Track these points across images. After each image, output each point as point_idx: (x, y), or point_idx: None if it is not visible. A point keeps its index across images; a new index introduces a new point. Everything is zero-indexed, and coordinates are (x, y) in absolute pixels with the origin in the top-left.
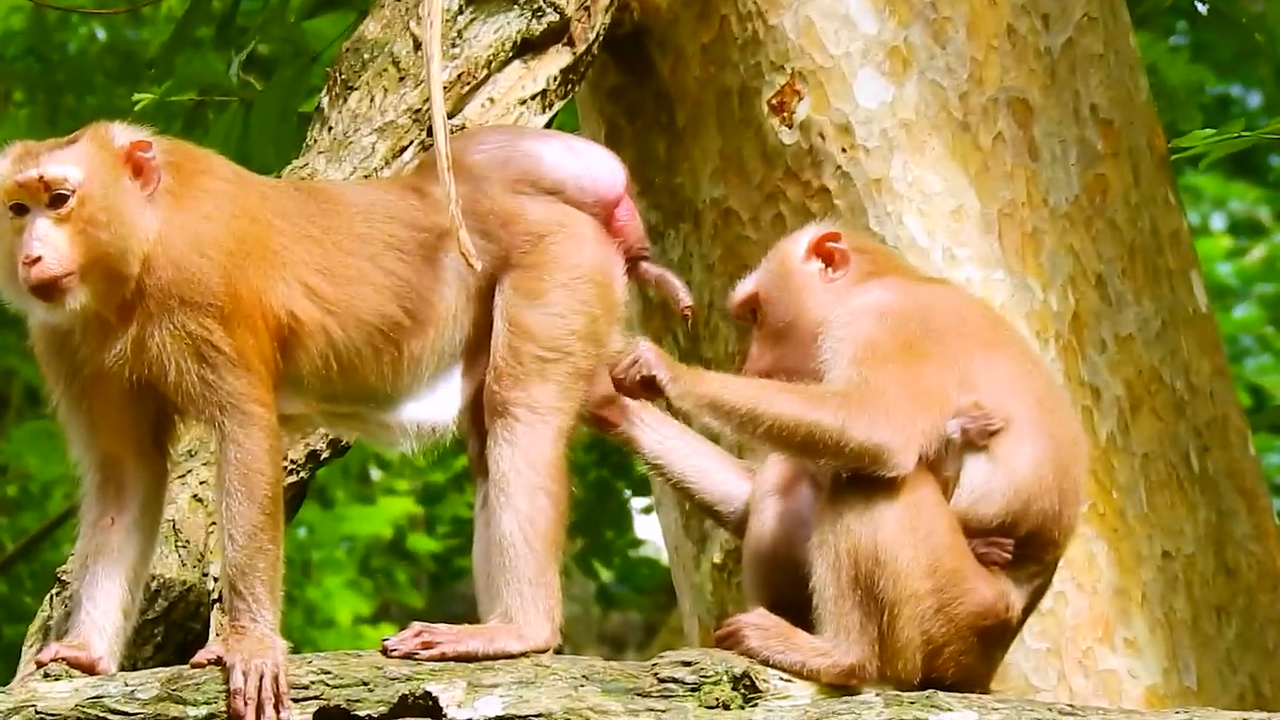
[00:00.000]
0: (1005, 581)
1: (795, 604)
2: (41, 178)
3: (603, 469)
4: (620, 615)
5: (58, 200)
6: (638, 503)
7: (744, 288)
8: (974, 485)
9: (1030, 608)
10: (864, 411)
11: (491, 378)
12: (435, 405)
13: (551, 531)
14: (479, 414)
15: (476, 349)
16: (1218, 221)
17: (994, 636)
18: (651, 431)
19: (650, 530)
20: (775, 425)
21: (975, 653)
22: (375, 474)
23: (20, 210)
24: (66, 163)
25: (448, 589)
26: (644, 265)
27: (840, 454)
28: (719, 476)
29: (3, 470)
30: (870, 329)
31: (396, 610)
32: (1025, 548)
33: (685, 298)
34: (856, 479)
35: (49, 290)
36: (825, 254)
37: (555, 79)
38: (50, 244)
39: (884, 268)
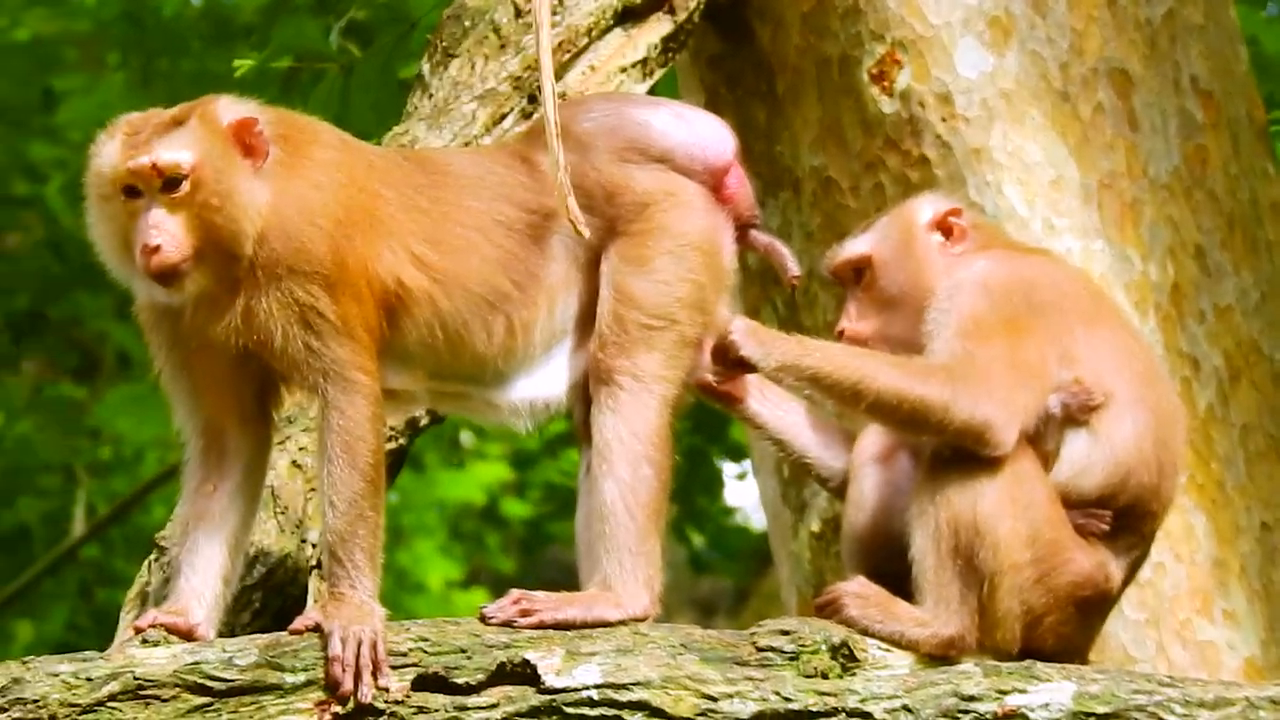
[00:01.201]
0: (1104, 552)
1: (893, 574)
2: (154, 165)
3: (696, 436)
4: (711, 581)
5: (171, 185)
6: (730, 469)
7: (855, 247)
8: (1074, 459)
9: (1129, 579)
10: (969, 387)
11: (596, 345)
12: (546, 380)
13: (653, 501)
14: (585, 381)
15: (586, 322)
16: None
17: (1093, 607)
18: (773, 408)
19: (741, 497)
20: (880, 399)
21: (1074, 623)
22: (466, 439)
23: (132, 193)
24: (178, 147)
25: (538, 554)
26: (753, 233)
27: (944, 430)
28: (839, 452)
29: (95, 433)
30: (975, 302)
31: (486, 575)
32: (1124, 519)
33: (794, 267)
34: (956, 450)
35: (168, 277)
36: (947, 228)
37: (656, 47)
38: (166, 231)
39: (990, 241)
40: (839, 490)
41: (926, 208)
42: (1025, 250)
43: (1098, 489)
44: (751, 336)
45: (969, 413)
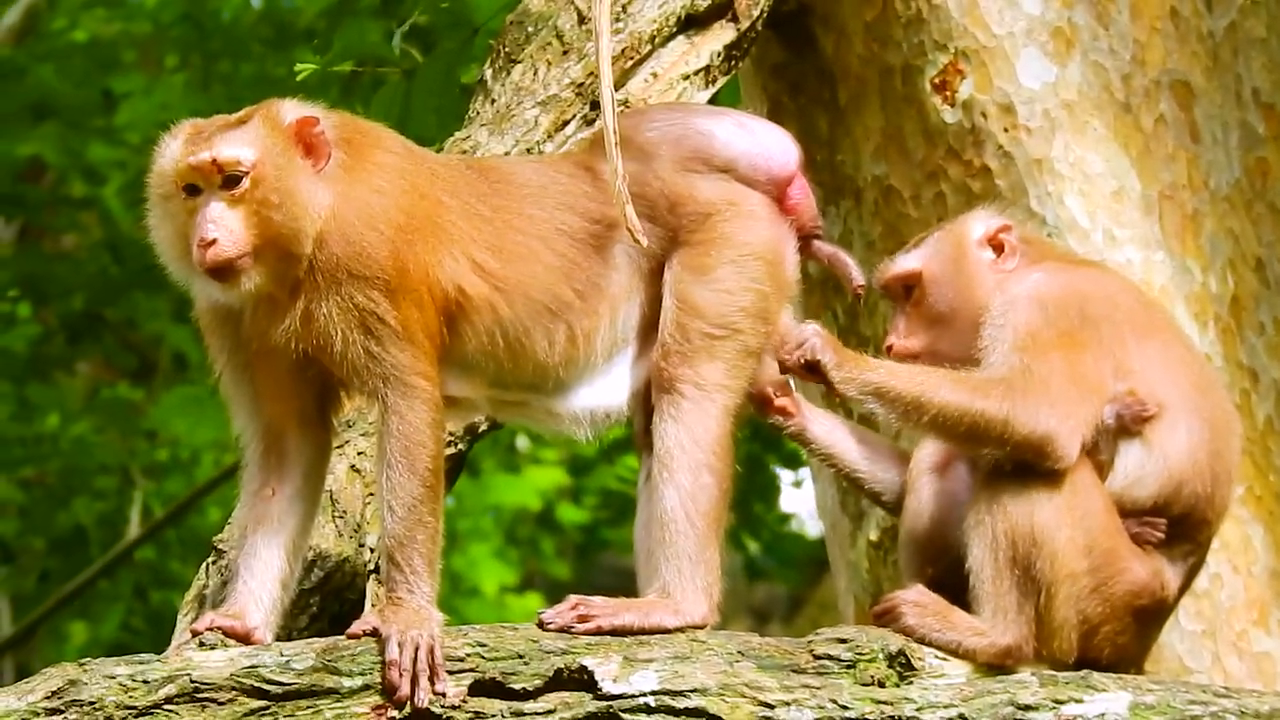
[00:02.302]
0: (1160, 560)
1: (951, 583)
2: (214, 160)
3: (753, 443)
4: (766, 587)
5: (231, 182)
6: (786, 476)
7: (905, 263)
8: (1128, 469)
9: (1185, 587)
10: (1028, 400)
11: (659, 354)
12: (607, 389)
13: (713, 509)
14: (646, 389)
15: (647, 331)
16: None
17: (1149, 616)
18: (822, 424)
19: (797, 504)
20: (940, 414)
21: (1131, 632)
22: (522, 444)
23: (193, 191)
24: (239, 144)
25: (594, 560)
26: (816, 243)
27: (1005, 443)
28: (886, 466)
29: (151, 435)
30: (1029, 317)
31: (541, 581)
32: (1179, 527)
33: (858, 276)
34: (1015, 461)
35: (224, 272)
36: (998, 245)
37: (719, 55)
38: (224, 226)
39: (1041, 256)
40: (889, 505)
41: (977, 225)
42: (1077, 263)
43: (1152, 498)
44: (828, 344)
45: (1030, 426)
